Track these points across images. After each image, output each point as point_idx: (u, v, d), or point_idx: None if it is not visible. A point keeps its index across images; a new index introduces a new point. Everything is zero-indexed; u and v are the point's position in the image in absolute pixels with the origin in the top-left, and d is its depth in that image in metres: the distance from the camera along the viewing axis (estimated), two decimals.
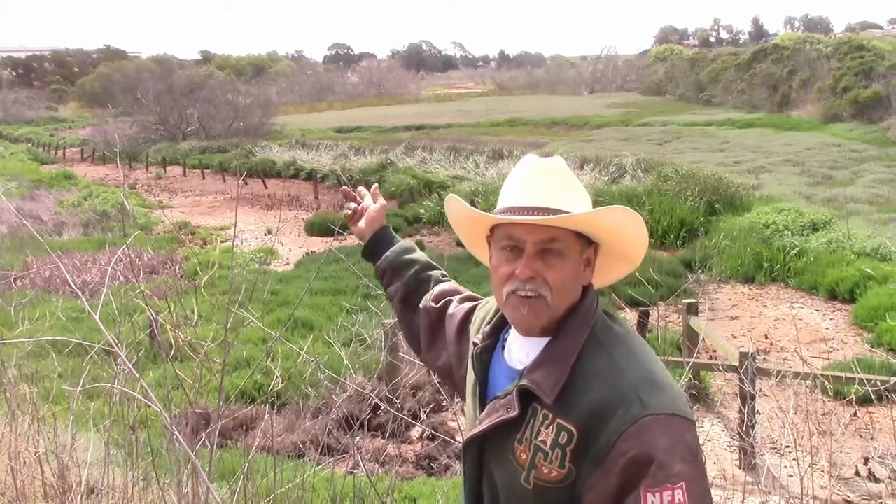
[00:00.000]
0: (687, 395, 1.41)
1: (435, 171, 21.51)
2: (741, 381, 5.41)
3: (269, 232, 16.23)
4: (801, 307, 10.16)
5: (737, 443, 5.93)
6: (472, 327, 1.68)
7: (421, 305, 1.85)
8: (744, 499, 3.38)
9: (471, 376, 1.57)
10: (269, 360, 3.83)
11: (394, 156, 23.96)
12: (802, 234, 12.11)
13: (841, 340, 8.70)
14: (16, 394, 3.27)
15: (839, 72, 33.64)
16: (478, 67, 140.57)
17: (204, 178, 27.20)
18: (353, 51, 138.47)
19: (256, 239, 15.77)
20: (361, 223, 1.98)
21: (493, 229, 1.50)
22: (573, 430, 1.34)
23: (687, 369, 3.78)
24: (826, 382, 5.98)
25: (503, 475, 1.43)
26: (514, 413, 1.40)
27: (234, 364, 6.89)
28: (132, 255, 3.37)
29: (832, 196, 15.83)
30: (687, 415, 1.34)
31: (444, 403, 6.46)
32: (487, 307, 1.68)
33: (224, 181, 25.88)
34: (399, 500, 4.74)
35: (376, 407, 5.02)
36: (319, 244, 14.57)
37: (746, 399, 5.40)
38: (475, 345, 1.56)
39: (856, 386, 5.14)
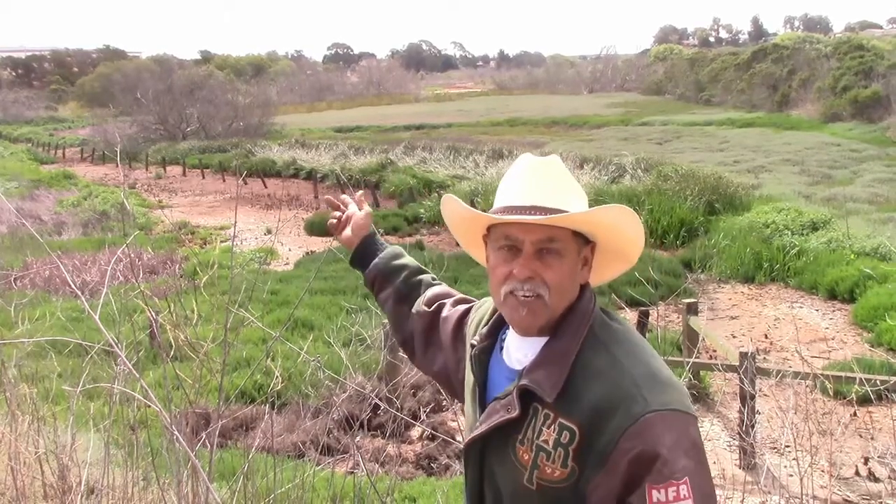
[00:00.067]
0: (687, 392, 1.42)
1: (435, 170, 21.52)
2: (741, 380, 5.41)
3: (269, 232, 16.23)
4: (801, 307, 10.16)
5: (737, 442, 5.94)
6: (469, 329, 1.67)
7: (413, 310, 1.83)
8: (743, 498, 3.38)
9: (469, 378, 1.57)
10: (269, 359, 3.83)
11: (393, 155, 23.98)
12: (802, 234, 12.12)
13: (841, 340, 8.70)
14: (16, 394, 3.27)
15: (839, 71, 33.66)
16: (477, 67, 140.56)
17: (204, 177, 27.20)
18: (352, 50, 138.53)
19: (256, 239, 15.77)
20: (347, 231, 1.95)
21: (489, 229, 1.50)
22: (575, 428, 1.34)
23: (687, 369, 3.79)
24: (826, 382, 5.98)
25: (505, 476, 1.43)
26: (514, 413, 1.39)
27: (234, 364, 6.89)
28: (132, 255, 3.37)
29: (832, 195, 15.84)
30: (689, 410, 1.34)
31: (444, 403, 6.46)
32: (484, 308, 1.67)
33: (224, 181, 25.88)
34: (399, 500, 4.74)
35: (376, 407, 5.01)
36: (319, 244, 14.57)
37: (746, 399, 5.41)
38: (473, 346, 1.55)
39: (856, 386, 5.13)
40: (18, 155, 36.05)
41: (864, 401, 6.24)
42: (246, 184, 23.61)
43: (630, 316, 7.66)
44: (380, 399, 3.87)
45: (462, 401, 1.66)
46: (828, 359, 7.60)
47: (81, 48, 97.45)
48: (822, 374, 5.82)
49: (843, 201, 14.31)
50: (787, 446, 5.12)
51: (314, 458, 4.08)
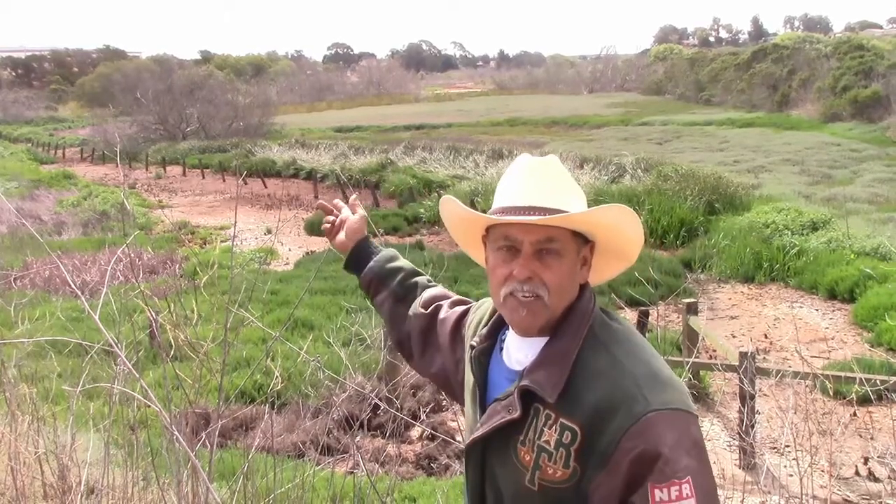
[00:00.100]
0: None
1: (435, 170, 21.52)
2: (741, 380, 5.41)
3: (269, 231, 16.23)
4: (801, 307, 10.16)
5: (736, 442, 5.94)
6: (468, 330, 1.66)
7: (410, 312, 1.83)
8: (743, 498, 3.38)
9: (469, 379, 1.56)
10: (269, 359, 3.83)
11: (393, 155, 23.98)
12: (802, 234, 12.12)
13: (840, 340, 8.70)
14: (16, 394, 3.27)
15: (839, 71, 33.66)
16: (477, 67, 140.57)
17: (203, 177, 27.20)
18: (352, 50, 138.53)
19: (256, 239, 15.77)
20: (341, 236, 1.94)
21: (488, 230, 1.49)
22: (576, 428, 1.33)
23: (687, 369, 3.79)
24: (826, 382, 5.98)
25: (507, 477, 1.43)
26: (516, 414, 1.39)
27: (234, 364, 6.89)
28: (132, 255, 3.37)
29: (832, 195, 15.84)
30: (690, 409, 1.34)
31: (444, 403, 6.46)
32: (483, 309, 1.66)
33: (224, 181, 25.88)
34: (399, 500, 4.74)
35: (376, 407, 5.01)
36: (319, 244, 14.56)
37: (746, 399, 5.40)
38: (472, 347, 1.55)
39: (855, 385, 5.14)
40: (18, 155, 36.07)
41: (863, 401, 6.23)
42: (246, 184, 23.61)
43: (630, 316, 7.66)
44: (380, 399, 3.87)
45: (461, 402, 1.65)
46: (828, 359, 7.59)
47: (81, 48, 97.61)
48: (821, 374, 5.81)
49: (843, 201, 14.31)
50: (787, 446, 5.12)
51: (314, 458, 4.08)
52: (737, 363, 5.53)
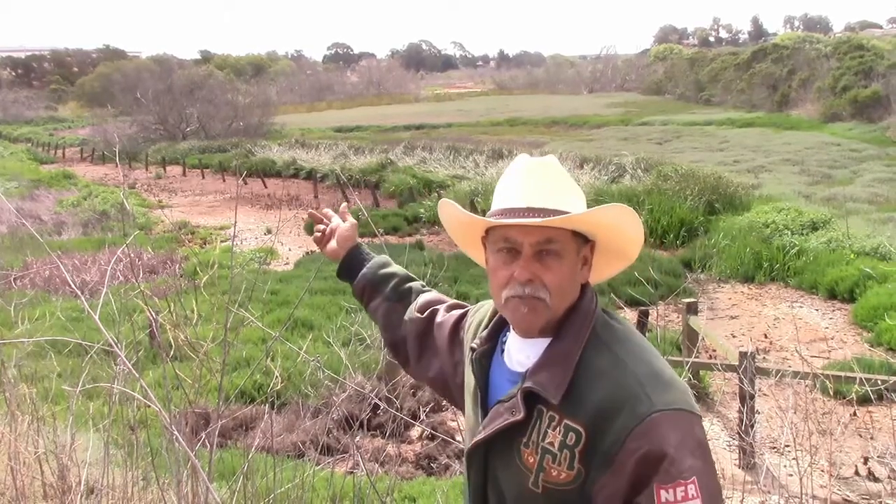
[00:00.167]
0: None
1: (435, 170, 21.53)
2: (741, 380, 5.41)
3: (269, 231, 16.24)
4: (801, 306, 10.17)
5: (736, 442, 5.94)
6: (468, 333, 1.66)
7: (406, 317, 1.82)
8: (743, 498, 3.38)
9: (470, 382, 1.56)
10: (269, 359, 3.83)
11: (393, 155, 23.98)
12: (802, 234, 12.12)
13: (840, 340, 8.70)
14: (15, 394, 3.27)
15: (838, 71, 33.66)
16: (477, 67, 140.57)
17: (203, 177, 27.20)
18: (352, 50, 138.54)
19: (256, 238, 15.77)
20: (333, 244, 1.94)
21: (488, 231, 1.49)
22: (581, 430, 1.33)
23: (686, 369, 3.79)
24: (826, 382, 5.98)
25: (510, 480, 1.42)
26: (519, 416, 1.39)
27: (234, 364, 6.89)
28: (132, 255, 3.37)
29: (831, 195, 15.84)
30: (693, 409, 1.34)
31: (444, 403, 6.45)
32: (482, 311, 1.66)
33: (224, 181, 25.88)
34: (399, 499, 4.74)
35: (376, 407, 5.02)
36: None
37: (746, 398, 5.40)
38: (473, 349, 1.54)
39: (855, 385, 5.14)
40: (18, 155, 36.06)
41: (863, 401, 6.24)
42: (246, 184, 23.61)
43: (630, 315, 7.66)
44: (379, 399, 3.87)
45: (459, 406, 1.65)
46: (827, 358, 7.59)
47: (81, 48, 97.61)
48: (821, 374, 5.81)
49: (843, 201, 14.31)
50: (787, 446, 5.12)
51: (314, 458, 4.07)
52: (737, 363, 5.53)
